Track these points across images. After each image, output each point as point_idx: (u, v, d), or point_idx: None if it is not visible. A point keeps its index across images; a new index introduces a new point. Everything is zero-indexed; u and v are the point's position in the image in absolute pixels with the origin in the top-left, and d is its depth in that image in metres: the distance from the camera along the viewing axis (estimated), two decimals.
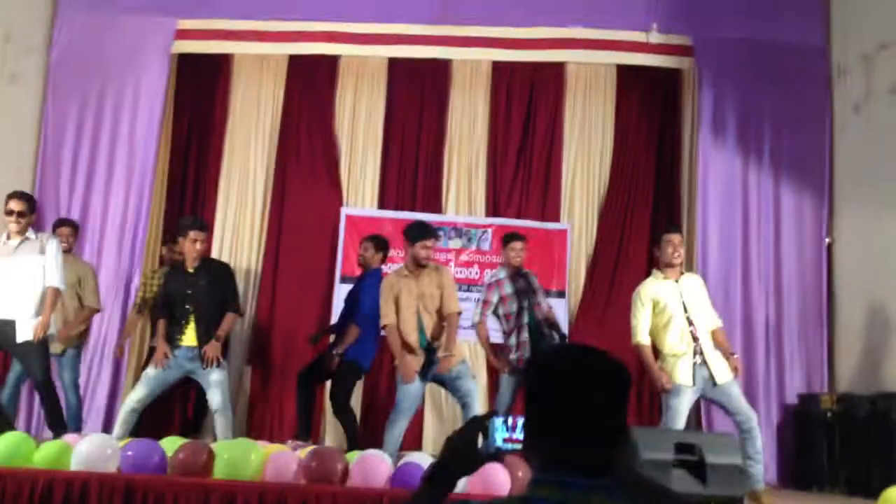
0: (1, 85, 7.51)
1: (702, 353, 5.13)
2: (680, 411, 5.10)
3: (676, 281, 5.27)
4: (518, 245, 6.18)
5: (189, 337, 5.44)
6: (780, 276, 7.30)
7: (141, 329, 7.25)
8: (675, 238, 5.32)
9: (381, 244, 6.48)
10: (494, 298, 6.08)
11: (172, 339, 5.40)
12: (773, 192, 7.46)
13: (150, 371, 5.39)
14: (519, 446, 1.65)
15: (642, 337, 5.23)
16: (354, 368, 6.22)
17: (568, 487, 1.47)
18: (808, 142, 7.46)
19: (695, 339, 5.15)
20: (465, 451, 1.72)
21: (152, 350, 5.69)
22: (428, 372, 5.48)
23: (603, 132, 7.99)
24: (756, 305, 7.24)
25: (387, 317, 5.49)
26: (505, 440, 1.74)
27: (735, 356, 5.25)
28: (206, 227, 5.73)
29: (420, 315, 5.48)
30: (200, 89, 8.10)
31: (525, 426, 1.60)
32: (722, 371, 5.12)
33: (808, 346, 7.15)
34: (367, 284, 6.21)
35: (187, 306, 5.44)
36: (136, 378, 5.84)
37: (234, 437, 5.43)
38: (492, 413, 1.77)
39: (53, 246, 5.57)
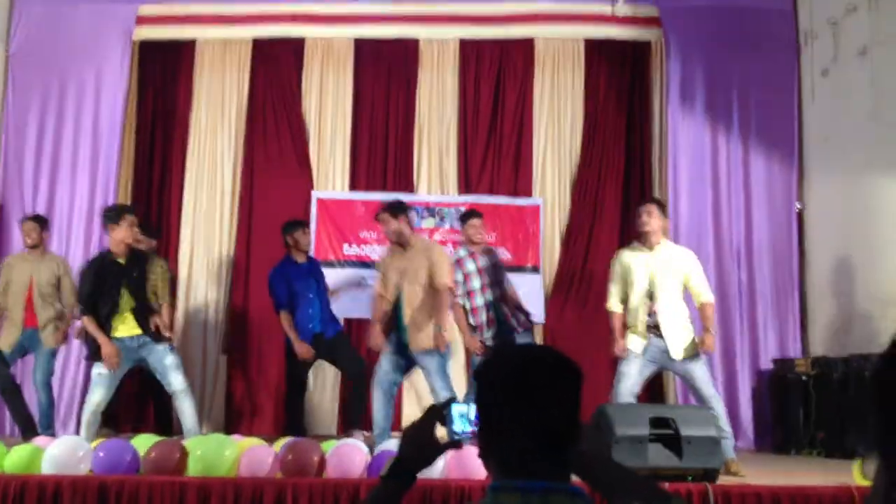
0: None
1: (657, 326, 5.13)
2: (626, 375, 5.15)
3: (651, 250, 5.26)
4: (476, 222, 6.22)
5: (129, 326, 5.37)
6: (751, 243, 7.34)
7: None
8: (643, 208, 5.34)
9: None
10: (459, 277, 6.06)
11: (108, 332, 5.30)
12: (742, 160, 7.48)
13: (102, 370, 5.28)
14: (475, 437, 1.63)
15: (611, 303, 5.34)
16: None
17: (527, 492, 1.46)
18: (777, 108, 7.48)
19: (650, 312, 5.16)
20: (422, 442, 1.69)
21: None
22: (404, 351, 5.57)
23: (573, 106, 7.95)
24: (728, 272, 7.27)
25: (376, 290, 5.88)
26: (464, 432, 1.69)
27: (708, 335, 5.12)
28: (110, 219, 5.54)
29: (402, 290, 5.59)
30: (164, 76, 7.99)
31: (479, 433, 1.58)
32: (676, 347, 5.10)
33: (781, 311, 7.20)
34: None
35: (125, 296, 5.36)
36: None
37: (202, 421, 5.44)
38: (450, 401, 1.73)
39: None
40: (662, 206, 5.43)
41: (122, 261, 5.41)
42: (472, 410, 1.66)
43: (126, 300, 5.35)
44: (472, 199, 7.73)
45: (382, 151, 7.94)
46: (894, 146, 6.29)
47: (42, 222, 6.52)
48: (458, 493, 3.90)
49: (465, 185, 7.85)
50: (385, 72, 8.02)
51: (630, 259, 5.29)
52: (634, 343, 5.18)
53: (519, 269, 7.54)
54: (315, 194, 7.73)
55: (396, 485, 1.69)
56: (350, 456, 4.21)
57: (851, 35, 6.81)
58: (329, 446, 4.33)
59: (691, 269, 5.30)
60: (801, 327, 7.20)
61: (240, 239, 7.76)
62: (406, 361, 5.72)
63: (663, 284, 5.20)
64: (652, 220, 5.25)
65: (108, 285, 5.35)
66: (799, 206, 7.37)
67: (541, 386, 1.51)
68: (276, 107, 7.93)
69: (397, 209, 5.77)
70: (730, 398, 6.88)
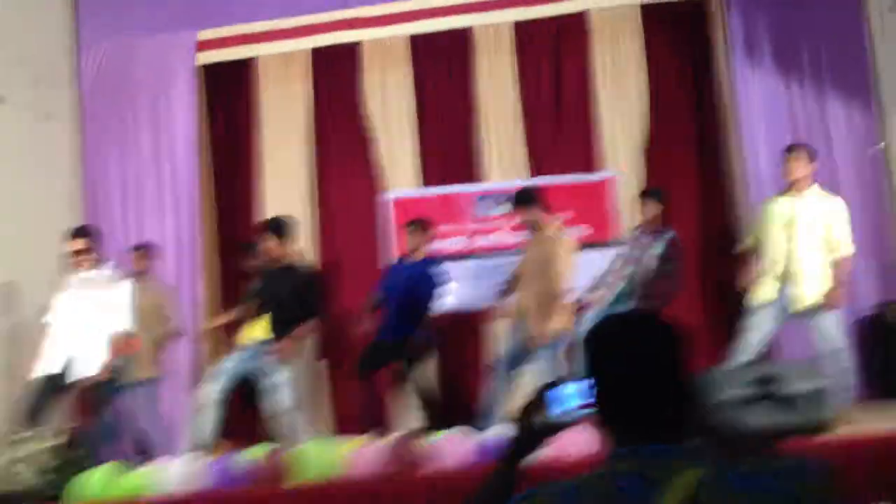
0: (38, 125, 7.64)
1: (792, 273, 5.05)
2: (754, 327, 5.11)
3: (796, 197, 5.21)
4: (639, 202, 6.28)
5: (259, 330, 5.57)
6: (837, 189, 7.05)
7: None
8: (787, 156, 5.32)
9: (425, 225, 6.59)
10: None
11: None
12: (818, 106, 7.26)
13: (222, 364, 5.64)
14: (591, 411, 1.62)
15: (745, 242, 5.60)
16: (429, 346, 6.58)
17: (645, 457, 1.47)
18: (847, 49, 7.24)
19: (789, 257, 5.09)
20: (533, 424, 1.70)
21: None
22: (519, 341, 5.69)
23: (636, 75, 7.80)
24: None
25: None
26: (577, 407, 1.68)
27: (833, 290, 5.09)
28: (278, 228, 5.83)
29: (524, 282, 5.71)
30: (230, 97, 8.16)
31: (594, 402, 1.59)
32: (809, 295, 5.05)
33: (877, 254, 6.94)
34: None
35: (268, 303, 5.56)
36: None
37: (312, 434, 5.55)
38: (559, 380, 1.73)
39: (125, 288, 5.59)
40: (810, 152, 5.32)
41: (282, 268, 5.68)
42: (581, 388, 1.66)
43: (270, 305, 5.57)
44: (543, 180, 7.69)
45: (450, 143, 7.95)
46: None
47: (148, 249, 6.73)
48: (567, 470, 3.91)
49: (535, 167, 7.82)
50: (443, 64, 8.04)
51: (773, 203, 5.31)
52: (765, 291, 5.13)
53: (599, 245, 7.47)
54: (390, 195, 7.78)
55: (512, 470, 1.69)
56: (457, 445, 4.25)
57: None
58: (435, 438, 4.38)
59: (835, 219, 5.23)
60: None
61: (323, 248, 7.87)
62: (526, 350, 5.72)
63: (803, 231, 5.16)
64: (799, 166, 5.20)
65: (261, 288, 5.69)
66: (882, 145, 7.15)
67: (649, 347, 1.53)
68: (342, 114, 8.02)
69: (521, 200, 5.83)
70: None
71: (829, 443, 3.93)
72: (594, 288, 6.11)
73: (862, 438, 4.00)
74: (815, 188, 5.30)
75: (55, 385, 5.41)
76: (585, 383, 1.62)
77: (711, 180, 7.70)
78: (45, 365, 5.40)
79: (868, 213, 7.02)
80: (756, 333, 5.13)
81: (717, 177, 7.66)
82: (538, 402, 1.71)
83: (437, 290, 6.56)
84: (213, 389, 5.50)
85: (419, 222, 6.67)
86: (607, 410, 1.56)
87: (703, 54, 7.81)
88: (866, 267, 6.94)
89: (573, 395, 1.67)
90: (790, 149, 5.35)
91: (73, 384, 5.60)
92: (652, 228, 6.05)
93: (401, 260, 6.77)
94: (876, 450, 3.87)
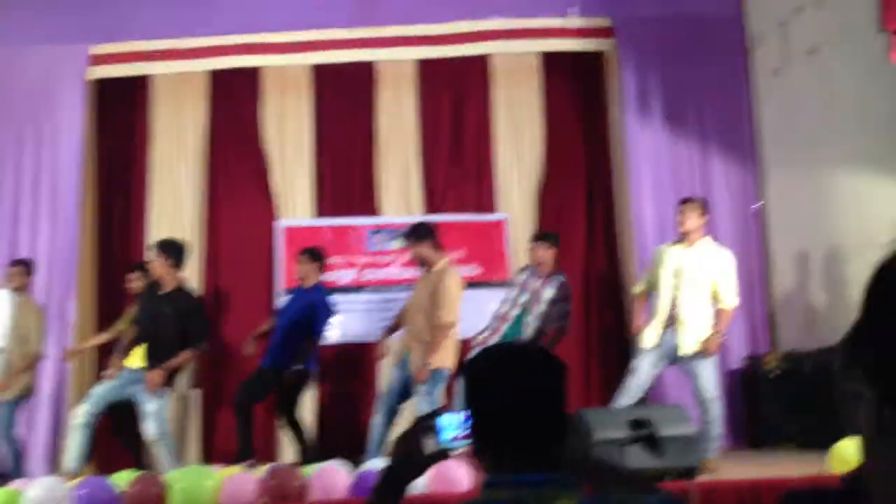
0: None
1: (676, 320, 5.24)
2: (636, 370, 5.27)
3: (687, 248, 5.37)
4: (531, 245, 6.31)
5: (136, 358, 5.42)
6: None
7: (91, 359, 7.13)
8: (681, 207, 5.48)
9: (315, 255, 6.53)
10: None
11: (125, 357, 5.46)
12: (702, 165, 7.58)
13: (96, 388, 5.45)
14: (468, 443, 1.63)
15: (636, 287, 5.75)
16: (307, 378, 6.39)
17: (520, 486, 1.48)
18: (732, 111, 7.61)
19: (675, 305, 5.27)
20: (410, 453, 1.70)
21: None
22: (403, 376, 5.67)
23: (532, 120, 7.99)
24: None
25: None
26: (454, 438, 1.69)
27: (711, 336, 5.24)
28: (171, 250, 5.70)
29: (411, 317, 5.74)
30: (122, 114, 7.95)
31: (470, 429, 1.60)
32: (687, 343, 5.21)
33: (749, 309, 7.22)
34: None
35: (145, 329, 5.41)
36: None
37: (184, 464, 5.42)
38: (438, 411, 1.75)
39: (2, 300, 5.38)
40: (703, 205, 5.53)
41: (163, 293, 5.51)
42: (459, 420, 1.68)
43: (146, 332, 5.41)
44: (436, 218, 7.75)
45: (346, 176, 7.94)
46: (847, 141, 6.42)
47: (26, 266, 6.45)
48: (445, 502, 3.93)
49: (430, 205, 7.88)
50: (344, 96, 8.03)
51: (665, 251, 5.47)
52: (650, 336, 5.27)
53: (488, 284, 7.56)
54: (281, 223, 7.71)
55: (386, 500, 1.70)
56: (332, 477, 4.22)
57: (800, 35, 6.94)
58: (310, 469, 4.34)
59: (721, 272, 5.39)
60: (769, 324, 7.29)
61: (211, 274, 7.69)
62: (410, 384, 5.72)
63: (689, 281, 5.31)
64: (692, 217, 5.39)
65: (139, 313, 5.52)
66: (759, 205, 7.47)
67: (526, 376, 1.55)
68: (236, 138, 7.91)
69: (414, 234, 5.86)
70: None
71: (694, 488, 4.05)
72: (483, 330, 6.16)
73: (726, 485, 4.14)
74: (707, 240, 5.52)
75: None
76: (463, 415, 1.63)
77: (599, 226, 7.91)
78: None
79: (743, 268, 7.29)
80: (638, 377, 5.27)
81: (605, 222, 7.88)
82: (416, 432, 1.71)
83: (324, 321, 6.49)
84: (82, 413, 5.32)
85: (310, 252, 6.63)
86: (485, 439, 1.57)
87: (597, 105, 8.05)
88: (739, 320, 7.22)
89: (451, 427, 1.69)
90: (684, 201, 5.56)
91: None
92: (544, 272, 6.16)
93: (294, 289, 6.71)
94: (738, 497, 4.02)
